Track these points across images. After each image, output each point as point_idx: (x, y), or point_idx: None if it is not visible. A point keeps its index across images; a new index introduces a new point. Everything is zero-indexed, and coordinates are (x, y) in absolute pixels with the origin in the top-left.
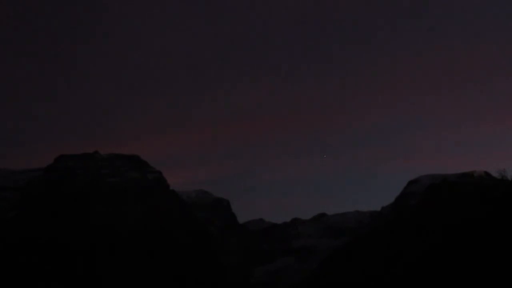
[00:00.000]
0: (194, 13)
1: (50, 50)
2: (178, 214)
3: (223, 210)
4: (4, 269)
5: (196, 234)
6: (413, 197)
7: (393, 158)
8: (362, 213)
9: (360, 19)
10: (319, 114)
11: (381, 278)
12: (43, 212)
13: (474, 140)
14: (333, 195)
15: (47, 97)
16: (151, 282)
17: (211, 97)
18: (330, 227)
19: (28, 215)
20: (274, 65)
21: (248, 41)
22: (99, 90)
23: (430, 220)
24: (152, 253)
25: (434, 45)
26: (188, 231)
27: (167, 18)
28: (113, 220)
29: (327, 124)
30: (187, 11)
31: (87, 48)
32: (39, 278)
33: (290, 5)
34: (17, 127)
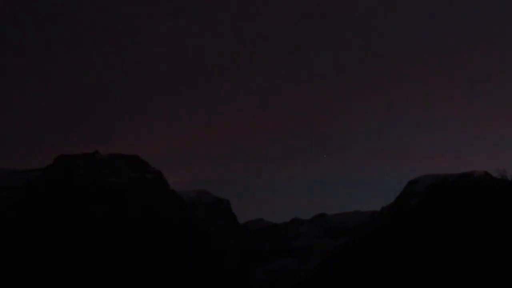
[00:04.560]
0: (194, 13)
1: (50, 50)
2: (178, 214)
3: (223, 210)
4: (3, 269)
5: (196, 234)
6: (413, 197)
7: (393, 158)
8: (362, 213)
9: (360, 19)
10: (319, 114)
11: (381, 278)
12: (43, 212)
13: (474, 140)
14: (333, 195)
15: (47, 97)
16: (151, 282)
17: (211, 97)
18: (330, 227)
19: (28, 215)
20: (275, 65)
21: (249, 41)
22: (99, 90)
23: (430, 220)
24: (152, 253)
25: (435, 46)
26: (188, 231)
27: (167, 18)
28: (113, 220)
29: (327, 124)
30: (188, 11)
31: (87, 48)
32: (39, 278)
33: (291, 5)
34: (17, 127)
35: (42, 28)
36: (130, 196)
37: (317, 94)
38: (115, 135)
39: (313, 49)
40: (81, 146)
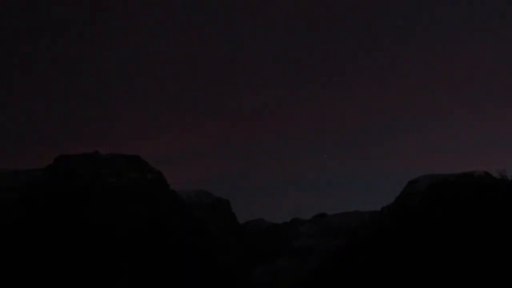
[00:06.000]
0: (194, 13)
1: (50, 50)
2: (178, 214)
3: (223, 210)
4: (3, 269)
5: (196, 234)
6: (413, 197)
7: (393, 158)
8: (362, 213)
9: (360, 19)
10: (319, 114)
11: (381, 278)
12: (42, 212)
13: (474, 140)
14: (333, 195)
15: (47, 97)
16: (150, 282)
17: (211, 97)
18: (330, 227)
19: (28, 215)
20: (274, 65)
21: (248, 41)
22: (99, 90)
23: (430, 220)
24: (151, 253)
25: (434, 45)
26: (188, 231)
27: (167, 18)
28: (113, 220)
29: (327, 124)
30: (188, 11)
31: (87, 47)
32: (39, 279)
33: (291, 5)
34: (17, 127)
35: (43, 27)
36: (130, 196)
37: (317, 94)
38: (115, 135)
39: (312, 48)
40: (81, 146)
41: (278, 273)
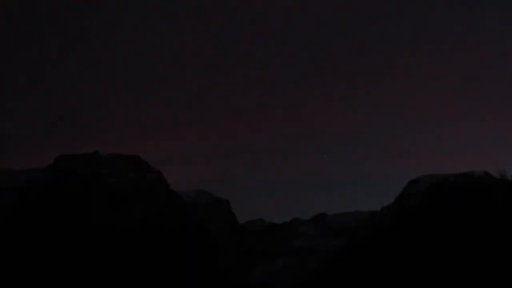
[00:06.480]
0: (193, 13)
1: (49, 50)
2: (178, 214)
3: (223, 210)
4: (3, 269)
5: (196, 234)
6: (413, 197)
7: (393, 158)
8: (362, 213)
9: (359, 18)
10: (319, 114)
11: (381, 278)
12: (42, 212)
13: (474, 140)
14: (333, 195)
15: (47, 97)
16: (150, 282)
17: (211, 97)
18: (330, 227)
19: (28, 215)
20: (274, 65)
21: (248, 41)
22: (99, 90)
23: (430, 220)
24: (151, 253)
25: (434, 45)
26: (188, 231)
27: (167, 18)
28: (113, 220)
29: (327, 124)
30: (187, 10)
31: (86, 47)
32: (38, 279)
33: (290, 4)
34: (17, 127)
35: (42, 27)
36: (130, 196)
37: (317, 93)
38: (115, 135)
39: (312, 48)
40: (81, 146)
41: (278, 273)
